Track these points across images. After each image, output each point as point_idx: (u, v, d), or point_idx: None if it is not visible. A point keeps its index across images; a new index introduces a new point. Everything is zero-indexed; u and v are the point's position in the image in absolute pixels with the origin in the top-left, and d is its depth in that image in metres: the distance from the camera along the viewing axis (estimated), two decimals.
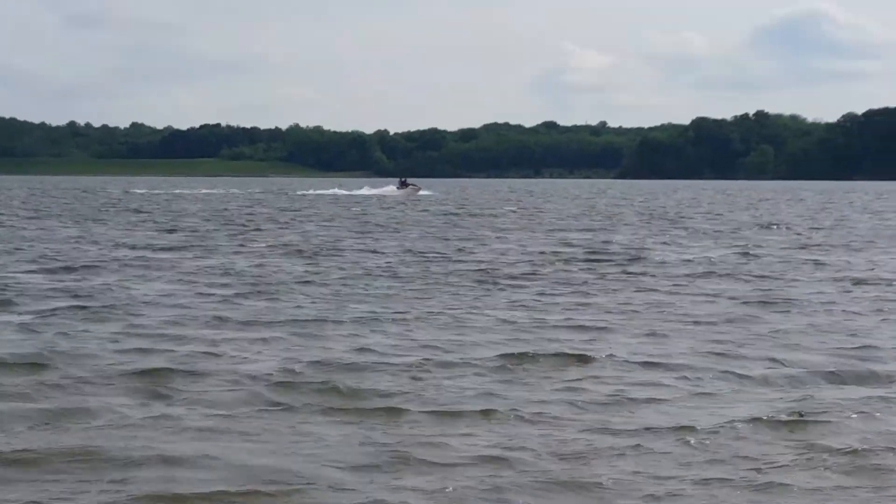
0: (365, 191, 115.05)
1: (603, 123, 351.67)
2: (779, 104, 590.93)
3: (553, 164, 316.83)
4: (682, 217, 62.53)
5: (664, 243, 38.45)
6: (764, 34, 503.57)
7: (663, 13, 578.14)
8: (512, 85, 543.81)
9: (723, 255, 33.42)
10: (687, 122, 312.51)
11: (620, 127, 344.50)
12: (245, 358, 14.77)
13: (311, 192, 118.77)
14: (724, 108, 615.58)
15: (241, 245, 36.05)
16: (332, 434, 11.00)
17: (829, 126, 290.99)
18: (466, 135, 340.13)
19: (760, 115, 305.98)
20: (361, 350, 15.43)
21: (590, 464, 10.02)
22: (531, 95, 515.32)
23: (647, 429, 11.21)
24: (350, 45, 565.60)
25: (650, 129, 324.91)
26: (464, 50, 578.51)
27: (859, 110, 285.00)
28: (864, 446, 10.57)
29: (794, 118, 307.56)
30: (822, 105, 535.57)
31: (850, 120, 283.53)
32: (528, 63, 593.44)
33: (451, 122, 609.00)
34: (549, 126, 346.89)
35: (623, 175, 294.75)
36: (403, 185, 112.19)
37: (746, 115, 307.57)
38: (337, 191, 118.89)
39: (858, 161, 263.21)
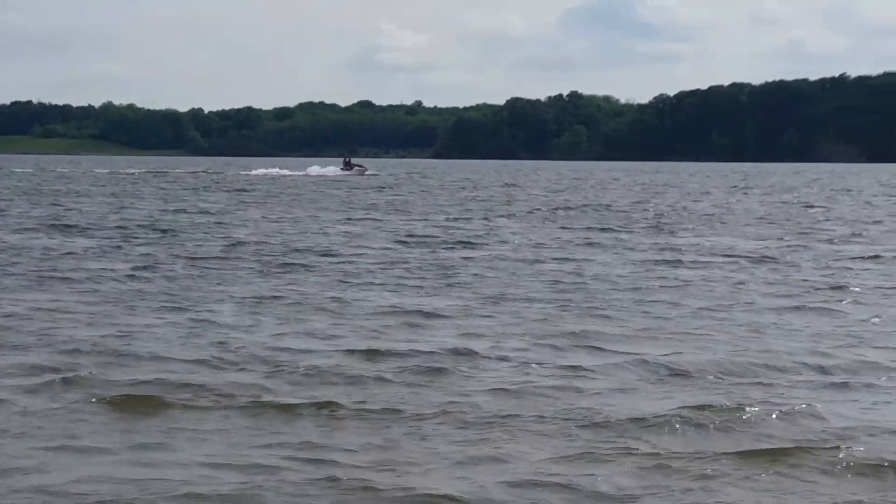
0: (312, 171, 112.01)
1: (419, 103, 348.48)
2: (593, 85, 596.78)
3: (368, 143, 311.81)
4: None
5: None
6: (578, 15, 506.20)
7: None
8: (328, 64, 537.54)
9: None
10: (502, 102, 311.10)
11: (436, 107, 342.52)
12: None
13: (252, 173, 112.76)
14: (538, 89, 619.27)
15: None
16: None
17: (641, 107, 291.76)
18: (282, 113, 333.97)
19: (574, 96, 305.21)
20: None
21: None
22: (347, 74, 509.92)
23: None
24: (164, 21, 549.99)
25: (465, 108, 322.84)
26: (280, 28, 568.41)
27: (671, 92, 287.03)
28: None
29: (607, 99, 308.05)
30: (635, 86, 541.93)
31: (661, 101, 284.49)
32: (343, 42, 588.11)
33: (266, 101, 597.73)
34: (365, 105, 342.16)
35: (438, 154, 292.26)
36: (348, 165, 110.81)
37: (561, 95, 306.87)
38: (276, 171, 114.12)
39: (670, 142, 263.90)
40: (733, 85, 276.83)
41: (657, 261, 27.42)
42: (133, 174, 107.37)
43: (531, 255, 28.59)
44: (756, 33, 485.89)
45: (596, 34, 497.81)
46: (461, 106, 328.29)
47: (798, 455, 10.23)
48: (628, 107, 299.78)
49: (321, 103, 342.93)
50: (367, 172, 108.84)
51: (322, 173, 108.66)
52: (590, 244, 32.06)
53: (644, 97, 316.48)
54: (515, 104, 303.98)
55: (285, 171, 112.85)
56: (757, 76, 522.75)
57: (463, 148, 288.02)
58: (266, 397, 12.12)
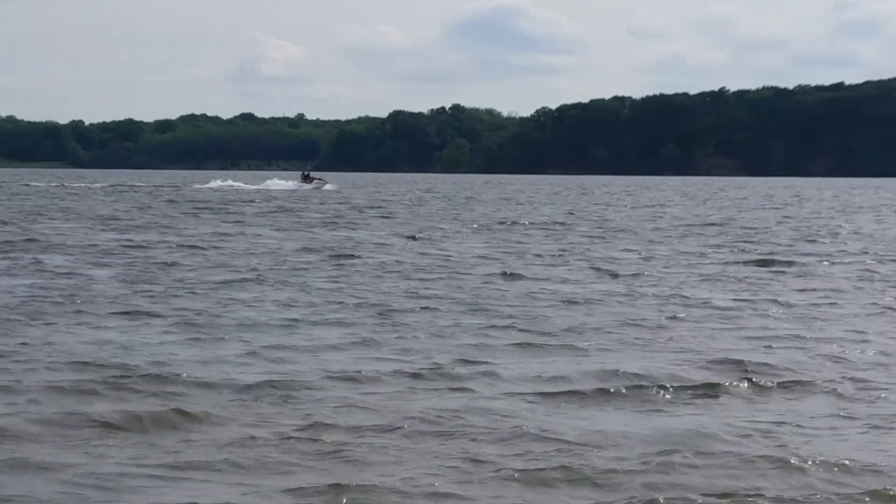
0: (271, 185, 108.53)
1: (301, 115, 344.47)
2: (475, 98, 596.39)
3: (250, 155, 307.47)
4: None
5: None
6: (460, 28, 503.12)
7: (358, 6, 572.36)
8: (209, 76, 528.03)
9: None
10: (384, 114, 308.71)
11: (318, 119, 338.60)
12: None
13: (207, 185, 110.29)
14: (420, 102, 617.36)
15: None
16: None
17: (523, 120, 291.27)
18: (163, 126, 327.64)
19: (456, 109, 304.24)
20: None
21: None
22: (228, 87, 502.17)
23: None
24: (43, 32, 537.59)
25: (347, 121, 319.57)
26: (160, 39, 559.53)
27: (553, 105, 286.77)
28: None
29: (489, 112, 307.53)
30: (517, 99, 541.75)
31: (543, 114, 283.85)
32: (224, 54, 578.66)
33: (148, 113, 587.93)
34: (247, 118, 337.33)
35: (320, 167, 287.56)
36: (307, 179, 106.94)
37: (443, 108, 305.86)
38: (231, 183, 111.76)
39: (552, 155, 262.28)
40: (614, 98, 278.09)
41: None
42: (94, 188, 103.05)
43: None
44: (637, 47, 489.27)
45: (478, 47, 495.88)
46: (343, 118, 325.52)
47: None
48: (510, 120, 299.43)
49: (203, 115, 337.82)
50: (325, 186, 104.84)
51: (283, 187, 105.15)
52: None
53: (526, 110, 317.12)
54: (397, 117, 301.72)
55: (240, 184, 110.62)
56: (637, 90, 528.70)
57: (345, 160, 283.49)
58: None
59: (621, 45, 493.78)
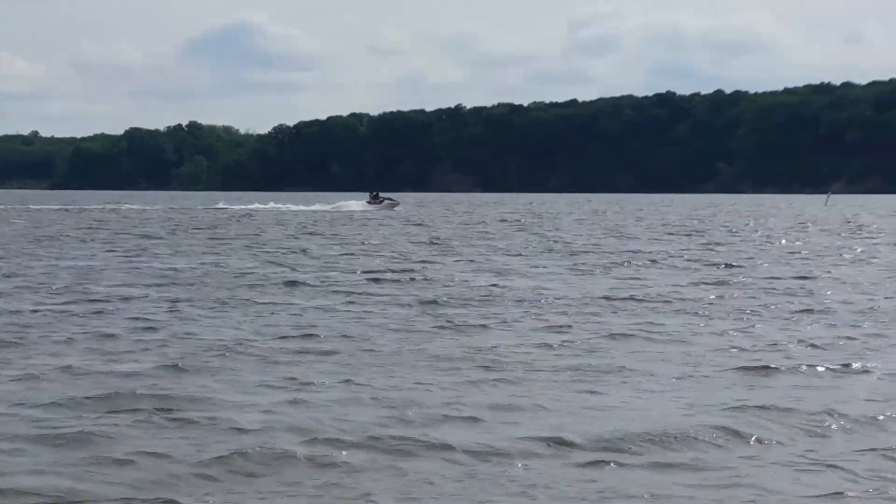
0: (343, 206, 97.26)
1: (35, 133, 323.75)
2: (212, 115, 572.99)
3: None
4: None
5: None
6: (198, 45, 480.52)
7: (95, 22, 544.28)
8: None
9: None
10: (121, 132, 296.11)
11: (53, 136, 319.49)
12: None
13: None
14: (158, 119, 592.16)
15: None
16: None
17: (261, 137, 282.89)
18: None
19: (193, 126, 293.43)
20: None
21: None
22: None
23: None
24: None
25: (83, 138, 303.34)
26: None
27: (291, 122, 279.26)
28: None
29: (227, 129, 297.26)
30: (256, 116, 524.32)
31: (281, 132, 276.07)
32: None
33: None
34: None
35: (56, 185, 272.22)
36: (376, 199, 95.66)
37: (180, 125, 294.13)
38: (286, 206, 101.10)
39: (290, 172, 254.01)
40: (352, 115, 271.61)
41: None
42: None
43: None
44: (375, 64, 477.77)
45: (216, 64, 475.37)
46: (79, 136, 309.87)
47: None
48: (248, 137, 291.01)
49: None
50: (396, 207, 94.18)
51: (353, 209, 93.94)
52: None
53: (264, 127, 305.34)
54: (134, 134, 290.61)
55: (299, 207, 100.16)
56: (376, 106, 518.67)
57: (81, 178, 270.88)
58: None
59: (361, 62, 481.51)
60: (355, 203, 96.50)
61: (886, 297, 22.93)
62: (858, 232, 57.50)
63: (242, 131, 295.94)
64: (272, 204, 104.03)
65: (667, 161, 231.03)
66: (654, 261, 33.84)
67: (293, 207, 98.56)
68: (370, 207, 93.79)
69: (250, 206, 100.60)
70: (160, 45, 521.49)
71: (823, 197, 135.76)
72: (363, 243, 43.58)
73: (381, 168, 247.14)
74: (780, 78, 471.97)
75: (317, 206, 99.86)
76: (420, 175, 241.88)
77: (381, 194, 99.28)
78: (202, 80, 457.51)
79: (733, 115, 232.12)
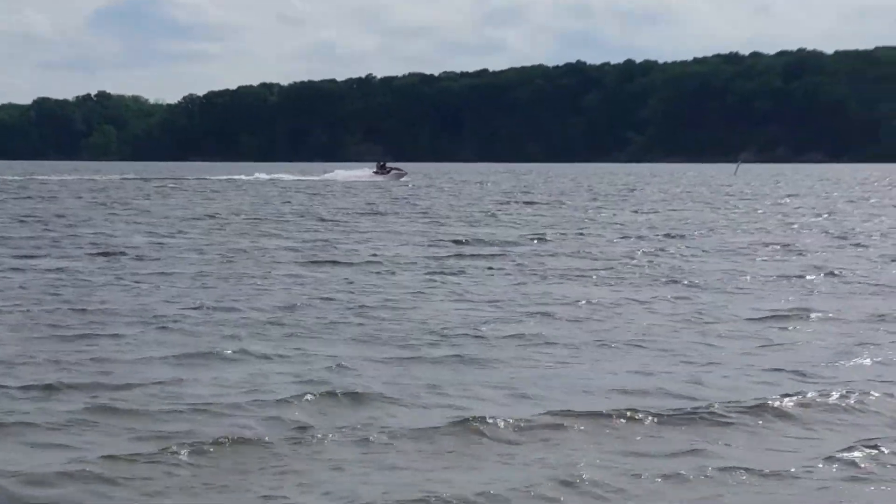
0: (338, 175, 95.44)
1: None
2: (122, 85, 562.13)
3: None
4: None
5: None
6: (106, 15, 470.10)
7: None
8: None
9: None
10: (29, 101, 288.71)
11: None
12: None
13: (255, 176, 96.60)
14: (67, 89, 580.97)
15: None
16: None
17: (170, 107, 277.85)
18: None
19: (102, 96, 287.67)
20: None
21: None
22: None
23: None
24: None
25: None
26: None
27: (201, 92, 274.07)
28: None
29: (136, 99, 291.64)
30: (166, 86, 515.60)
31: (191, 101, 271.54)
32: None
33: None
34: None
35: None
36: (383, 169, 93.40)
37: (89, 95, 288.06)
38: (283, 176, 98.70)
39: (201, 142, 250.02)
40: (262, 85, 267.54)
41: None
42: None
43: None
44: (285, 33, 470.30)
45: (124, 34, 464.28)
46: None
47: None
48: (158, 107, 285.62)
49: None
50: (403, 178, 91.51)
51: (353, 177, 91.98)
52: None
53: (174, 97, 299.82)
54: (43, 104, 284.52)
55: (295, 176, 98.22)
56: (286, 76, 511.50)
57: None
58: None
59: (270, 32, 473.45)
60: (360, 172, 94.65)
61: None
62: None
63: (152, 101, 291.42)
64: (258, 175, 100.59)
65: (577, 131, 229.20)
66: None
67: (286, 178, 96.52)
68: (377, 178, 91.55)
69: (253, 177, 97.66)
70: (69, 15, 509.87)
71: (733, 166, 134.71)
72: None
73: (292, 138, 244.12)
74: (690, 48, 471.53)
75: (314, 177, 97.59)
76: (330, 145, 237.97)
77: (388, 164, 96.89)
78: (111, 49, 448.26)
79: (643, 84, 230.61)
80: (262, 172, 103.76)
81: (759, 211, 46.84)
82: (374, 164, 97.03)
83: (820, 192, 71.82)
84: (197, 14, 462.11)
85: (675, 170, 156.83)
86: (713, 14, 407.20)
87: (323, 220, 39.12)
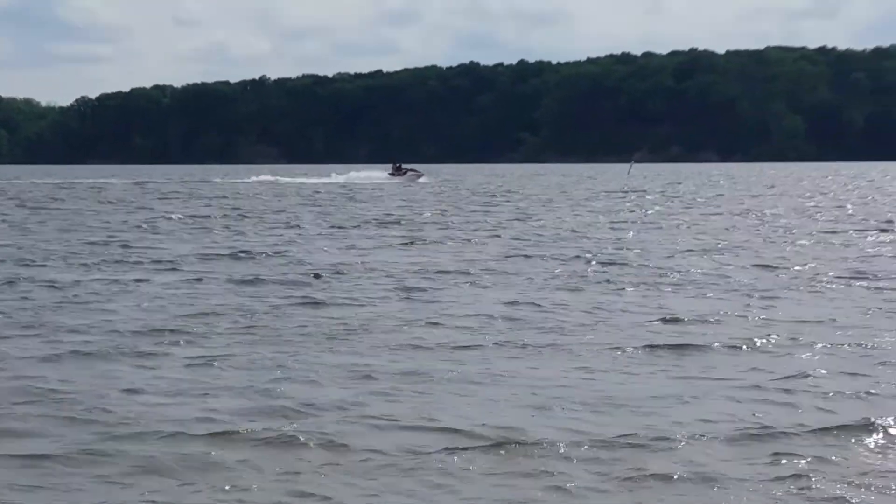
0: (353, 177, 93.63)
1: None
2: (12, 88, 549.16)
3: None
4: None
5: None
6: None
7: None
8: None
9: None
10: None
11: None
12: None
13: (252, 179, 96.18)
14: None
15: None
16: None
17: (63, 110, 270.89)
18: None
19: None
20: None
21: None
22: None
23: None
24: None
25: None
26: None
27: (93, 94, 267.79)
28: None
29: (27, 102, 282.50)
30: (57, 89, 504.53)
31: (83, 104, 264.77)
32: None
33: None
34: None
35: None
36: (399, 170, 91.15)
37: None
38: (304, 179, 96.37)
39: (93, 144, 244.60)
40: (155, 87, 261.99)
41: None
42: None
43: None
44: (178, 35, 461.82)
45: (14, 35, 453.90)
46: None
47: None
48: (50, 109, 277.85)
49: None
50: (420, 179, 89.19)
51: (372, 179, 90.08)
52: None
53: (67, 99, 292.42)
54: None
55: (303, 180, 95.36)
56: (179, 78, 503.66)
57: None
58: None
59: (164, 33, 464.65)
60: (375, 174, 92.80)
61: None
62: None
63: (44, 104, 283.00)
64: (259, 176, 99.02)
65: (471, 131, 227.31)
66: None
67: (297, 181, 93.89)
68: (394, 179, 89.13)
69: (253, 179, 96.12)
70: None
71: (626, 166, 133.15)
72: None
73: (186, 140, 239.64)
74: (584, 48, 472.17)
75: (330, 179, 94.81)
76: (224, 147, 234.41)
77: (404, 166, 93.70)
78: (2, 51, 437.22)
79: (537, 85, 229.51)
80: (261, 174, 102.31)
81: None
82: (390, 165, 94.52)
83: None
84: (89, 16, 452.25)
85: (568, 170, 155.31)
86: (606, 14, 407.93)
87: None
